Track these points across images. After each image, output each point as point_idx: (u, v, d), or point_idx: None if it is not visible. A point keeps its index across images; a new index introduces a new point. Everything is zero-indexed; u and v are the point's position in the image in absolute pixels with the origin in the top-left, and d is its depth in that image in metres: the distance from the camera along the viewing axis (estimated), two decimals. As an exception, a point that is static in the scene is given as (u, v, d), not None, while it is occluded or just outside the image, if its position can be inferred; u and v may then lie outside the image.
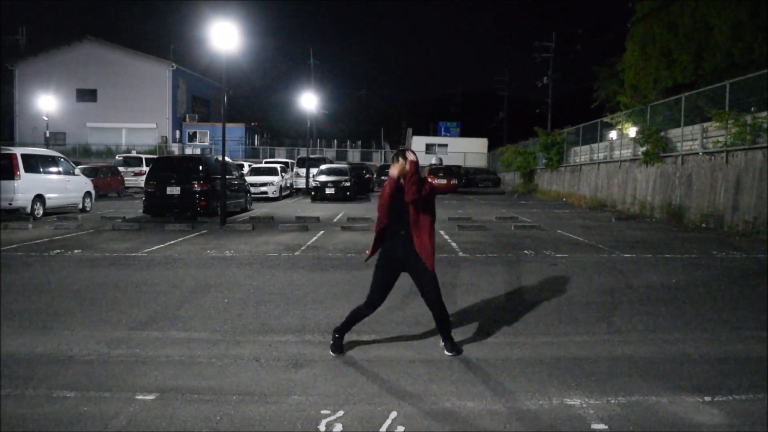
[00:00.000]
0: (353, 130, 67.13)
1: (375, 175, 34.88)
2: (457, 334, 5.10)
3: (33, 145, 33.45)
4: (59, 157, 17.02)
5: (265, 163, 30.38)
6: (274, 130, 58.29)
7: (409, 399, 3.72)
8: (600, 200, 21.16)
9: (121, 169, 27.47)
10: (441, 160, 39.20)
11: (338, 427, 3.32)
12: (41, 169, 15.46)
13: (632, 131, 19.66)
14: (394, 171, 4.49)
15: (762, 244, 10.80)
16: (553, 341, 4.96)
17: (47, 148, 21.75)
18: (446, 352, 4.56)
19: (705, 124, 14.71)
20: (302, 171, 30.03)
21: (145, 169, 26.09)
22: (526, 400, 3.72)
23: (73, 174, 17.12)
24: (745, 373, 4.21)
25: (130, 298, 6.47)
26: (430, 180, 4.87)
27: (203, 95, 50.61)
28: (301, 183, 29.74)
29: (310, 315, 5.72)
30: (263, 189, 23.42)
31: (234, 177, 17.42)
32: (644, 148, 17.28)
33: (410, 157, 4.46)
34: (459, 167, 40.03)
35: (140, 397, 3.73)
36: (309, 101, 33.81)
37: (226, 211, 14.57)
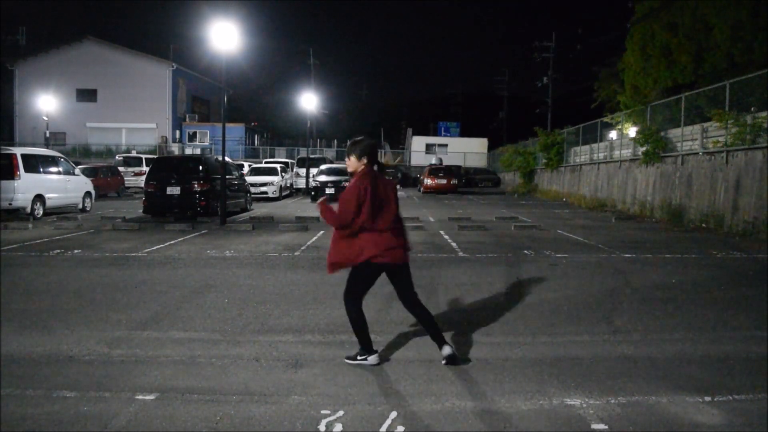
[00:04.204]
0: (353, 130, 67.11)
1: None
2: (457, 334, 5.10)
3: (33, 145, 33.46)
4: (59, 157, 17.02)
5: (265, 163, 30.41)
6: (274, 130, 58.28)
7: (409, 399, 3.72)
8: (600, 200, 21.15)
9: (121, 169, 27.49)
10: (441, 160, 39.21)
11: (338, 427, 3.32)
12: (41, 169, 15.46)
13: (632, 131, 19.66)
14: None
15: (762, 244, 10.79)
16: (553, 341, 4.96)
17: (47, 148, 21.75)
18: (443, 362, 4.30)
19: (705, 124, 14.71)
20: (302, 171, 30.05)
21: (145, 169, 26.09)
22: (526, 400, 3.72)
23: (73, 174, 17.12)
24: (745, 373, 4.21)
25: (130, 298, 6.47)
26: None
27: (203, 95, 50.62)
28: (301, 183, 29.75)
29: (310, 315, 5.72)
30: (263, 189, 23.44)
31: (234, 177, 17.42)
32: (644, 148, 17.28)
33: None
34: (459, 167, 40.01)
35: (140, 397, 3.73)
36: (309, 101, 33.81)
37: (226, 211, 14.57)
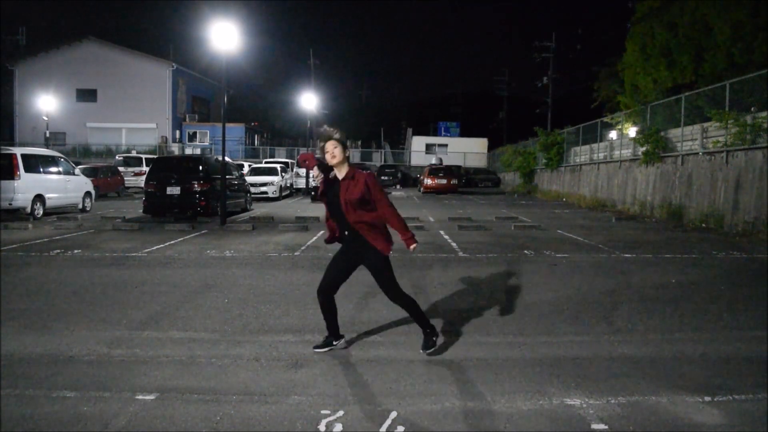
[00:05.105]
0: (353, 130, 67.10)
1: (375, 175, 34.99)
2: (456, 335, 5.10)
3: (33, 145, 33.46)
4: (59, 157, 17.02)
5: (265, 163, 30.41)
6: (274, 130, 58.28)
7: (409, 399, 3.72)
8: (600, 200, 21.15)
9: (121, 169, 27.48)
10: (441, 160, 39.23)
11: (338, 427, 3.32)
12: (41, 169, 15.46)
13: (632, 131, 19.67)
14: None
15: (762, 244, 10.79)
16: (553, 341, 4.96)
17: (47, 148, 21.75)
18: (421, 351, 4.53)
19: (705, 124, 14.71)
20: (302, 171, 30.05)
21: (145, 169, 26.09)
22: (526, 400, 3.72)
23: (73, 174, 17.12)
24: (745, 373, 4.21)
25: (130, 298, 6.47)
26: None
27: (203, 95, 50.62)
28: (301, 183, 29.76)
29: (310, 315, 5.71)
30: (263, 189, 23.43)
31: (234, 177, 17.42)
32: (644, 148, 17.29)
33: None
34: (459, 167, 40.04)
35: (140, 397, 3.73)
36: (309, 101, 33.82)
37: (226, 211, 14.56)
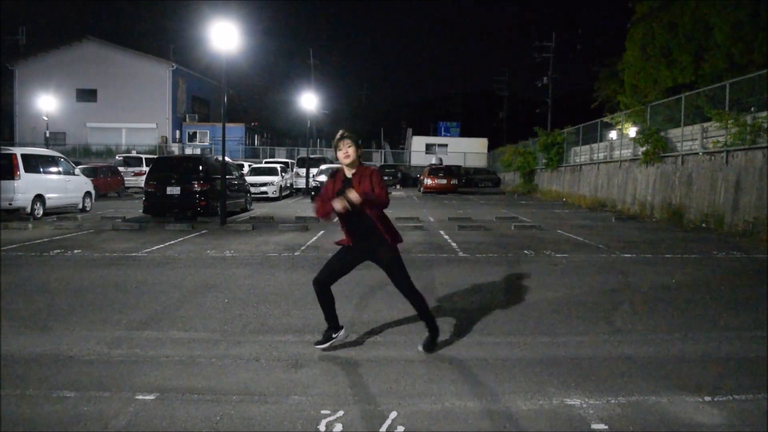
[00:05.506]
0: (353, 130, 67.03)
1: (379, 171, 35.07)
2: (457, 335, 5.10)
3: (33, 145, 33.48)
4: (59, 157, 17.02)
5: (265, 163, 30.42)
6: (274, 130, 58.27)
7: (409, 399, 3.72)
8: (600, 200, 21.15)
9: (121, 169, 27.51)
10: (441, 160, 39.25)
11: (338, 427, 3.32)
12: (41, 169, 15.46)
13: (632, 131, 19.67)
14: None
15: (762, 244, 10.79)
16: (553, 341, 4.95)
17: (47, 148, 21.75)
18: (419, 348, 4.60)
19: (705, 124, 14.72)
20: (302, 171, 30.06)
21: (145, 169, 26.11)
22: (526, 400, 3.72)
23: (73, 174, 17.13)
24: (745, 373, 4.21)
25: (130, 298, 6.47)
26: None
27: (203, 95, 50.62)
28: (301, 183, 29.76)
29: (310, 315, 5.71)
30: (263, 189, 23.44)
31: (234, 177, 17.42)
32: (644, 148, 17.29)
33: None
34: (459, 167, 40.04)
35: (140, 397, 3.73)
36: (309, 101, 33.79)
37: (226, 211, 14.57)
